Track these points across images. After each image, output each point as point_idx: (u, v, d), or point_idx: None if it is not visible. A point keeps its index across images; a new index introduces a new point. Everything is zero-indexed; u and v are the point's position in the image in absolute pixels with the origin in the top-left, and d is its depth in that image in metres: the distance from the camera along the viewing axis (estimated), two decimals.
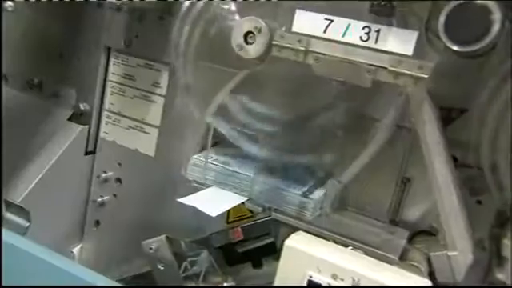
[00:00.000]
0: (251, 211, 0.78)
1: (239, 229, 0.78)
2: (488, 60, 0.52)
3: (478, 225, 0.58)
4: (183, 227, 0.78)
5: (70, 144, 0.84)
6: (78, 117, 0.86)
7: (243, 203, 0.68)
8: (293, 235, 0.58)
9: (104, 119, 0.86)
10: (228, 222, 0.79)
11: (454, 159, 0.59)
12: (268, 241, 0.74)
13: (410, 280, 0.52)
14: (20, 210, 0.81)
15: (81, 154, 0.86)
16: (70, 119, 0.85)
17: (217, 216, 0.62)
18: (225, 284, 0.75)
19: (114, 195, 0.87)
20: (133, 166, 0.84)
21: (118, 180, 0.86)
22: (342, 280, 0.51)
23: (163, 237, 0.75)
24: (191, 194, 0.68)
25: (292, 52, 0.57)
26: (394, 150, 0.62)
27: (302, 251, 0.53)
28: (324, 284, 0.51)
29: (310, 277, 0.52)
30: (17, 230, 0.79)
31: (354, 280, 0.51)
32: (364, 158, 0.60)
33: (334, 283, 0.51)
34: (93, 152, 0.87)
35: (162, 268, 0.75)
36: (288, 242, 0.54)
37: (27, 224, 0.81)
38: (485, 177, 0.54)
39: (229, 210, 0.76)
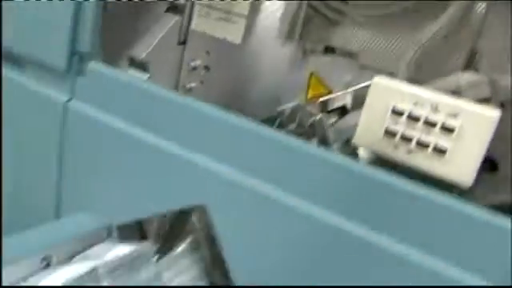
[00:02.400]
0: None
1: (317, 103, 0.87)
2: None
3: None
4: (265, 110, 0.87)
5: (165, 33, 0.95)
6: (173, 9, 0.96)
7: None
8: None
9: (196, 12, 0.96)
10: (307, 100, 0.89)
11: None
12: None
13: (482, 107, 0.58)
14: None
15: (174, 43, 0.97)
16: (166, 11, 0.96)
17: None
18: None
19: (201, 82, 0.97)
20: (220, 54, 0.94)
21: (206, 68, 0.96)
22: (422, 106, 0.59)
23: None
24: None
25: None
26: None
27: (387, 85, 0.61)
28: (407, 110, 0.59)
29: (394, 106, 0.60)
30: None
31: (432, 106, 0.58)
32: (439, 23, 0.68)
33: (415, 109, 0.59)
34: (184, 42, 0.98)
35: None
36: (375, 80, 0.63)
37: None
38: None
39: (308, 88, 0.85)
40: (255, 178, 0.59)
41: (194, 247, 0.67)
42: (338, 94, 0.83)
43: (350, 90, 0.83)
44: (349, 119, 0.76)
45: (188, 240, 0.67)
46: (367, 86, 0.62)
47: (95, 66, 0.72)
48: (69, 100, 0.71)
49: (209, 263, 0.69)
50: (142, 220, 0.67)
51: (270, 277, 0.59)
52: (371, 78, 0.63)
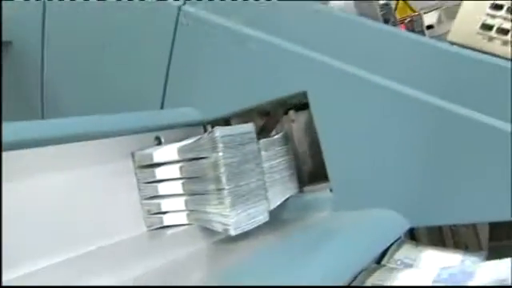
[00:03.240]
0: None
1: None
2: None
3: None
4: None
5: None
6: None
7: None
8: None
9: None
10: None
11: None
12: None
13: None
14: None
15: None
16: None
17: None
18: None
19: None
20: None
21: None
22: None
23: None
24: None
25: None
26: None
27: None
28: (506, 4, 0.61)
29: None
30: None
31: None
32: None
33: None
34: None
35: None
36: None
37: None
38: None
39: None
40: (354, 65, 0.63)
41: (287, 138, 0.73)
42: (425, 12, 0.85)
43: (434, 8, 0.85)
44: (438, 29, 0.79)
45: (283, 132, 0.73)
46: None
47: None
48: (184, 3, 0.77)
49: (297, 156, 0.75)
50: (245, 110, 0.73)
51: (365, 160, 0.63)
52: None
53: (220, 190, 0.58)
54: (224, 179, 0.58)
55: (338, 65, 0.63)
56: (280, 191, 0.68)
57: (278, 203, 0.67)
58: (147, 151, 0.66)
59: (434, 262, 0.55)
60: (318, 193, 0.70)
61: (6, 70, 1.06)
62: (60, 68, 0.98)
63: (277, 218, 0.69)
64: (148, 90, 0.82)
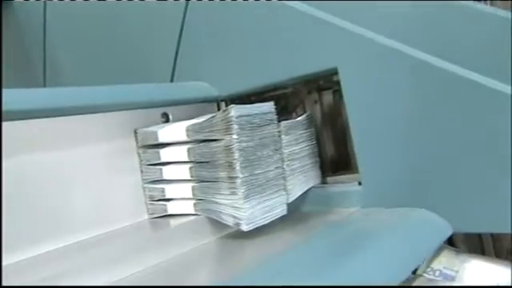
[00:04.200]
0: None
1: None
2: None
3: None
4: None
5: None
6: None
7: None
8: None
9: None
10: None
11: None
12: None
13: None
14: None
15: None
16: None
17: None
18: None
19: None
20: None
21: None
22: None
23: None
24: None
25: None
26: None
27: None
28: None
29: None
30: None
31: None
32: None
33: None
34: None
35: None
36: None
37: None
38: None
39: None
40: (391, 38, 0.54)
41: (311, 121, 0.64)
42: None
43: None
44: None
45: (307, 113, 0.64)
46: None
47: None
48: None
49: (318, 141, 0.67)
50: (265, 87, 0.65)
51: (402, 149, 0.54)
52: None
53: (233, 178, 0.50)
54: (238, 166, 0.50)
55: (372, 37, 0.54)
56: (301, 182, 0.59)
57: (299, 194, 0.59)
58: (152, 129, 0.58)
59: (480, 275, 0.46)
60: (344, 185, 0.61)
61: (6, 32, 1.01)
62: (63, 34, 0.91)
63: (295, 212, 0.61)
64: (157, 61, 0.74)
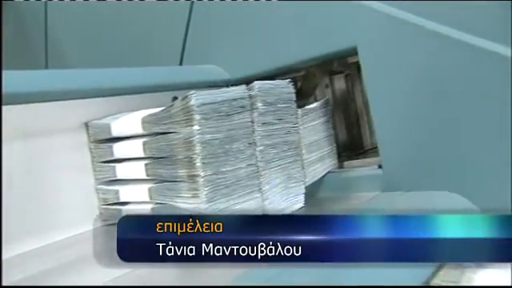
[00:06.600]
0: None
1: None
2: None
3: None
4: None
5: None
6: None
7: None
8: None
9: None
10: None
11: None
12: None
13: None
14: None
15: None
16: None
17: None
18: None
19: None
20: None
21: None
22: None
23: None
24: None
25: None
26: None
27: None
28: None
29: None
30: None
31: None
32: None
33: None
34: None
35: None
36: None
37: None
38: None
39: None
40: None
41: (328, 106, 0.57)
42: None
43: None
44: None
45: (324, 98, 0.57)
46: None
47: None
48: None
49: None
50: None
51: (425, 130, 0.48)
52: None
53: (193, 176, 0.42)
54: (199, 162, 0.41)
55: (392, 12, 0.47)
56: (317, 170, 0.54)
57: (316, 179, 0.53)
58: (104, 121, 0.49)
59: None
60: (363, 169, 0.55)
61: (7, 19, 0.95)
62: (66, 17, 0.85)
63: (312, 196, 0.54)
64: (165, 43, 0.69)
